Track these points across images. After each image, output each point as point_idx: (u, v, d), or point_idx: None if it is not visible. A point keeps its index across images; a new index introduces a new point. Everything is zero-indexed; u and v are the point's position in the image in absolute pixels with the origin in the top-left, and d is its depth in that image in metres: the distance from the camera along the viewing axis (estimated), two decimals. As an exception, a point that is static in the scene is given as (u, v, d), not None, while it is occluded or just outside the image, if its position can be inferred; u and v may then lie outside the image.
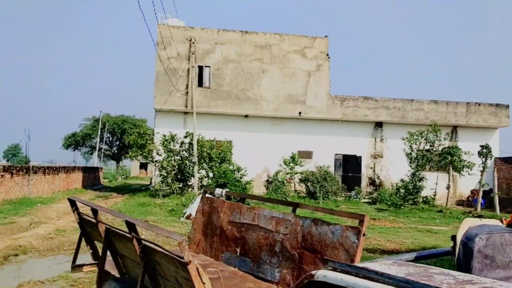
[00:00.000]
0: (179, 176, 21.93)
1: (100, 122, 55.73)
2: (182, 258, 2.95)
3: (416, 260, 3.13)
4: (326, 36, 26.44)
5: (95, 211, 4.41)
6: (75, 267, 4.96)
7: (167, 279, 3.45)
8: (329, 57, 26.11)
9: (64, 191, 25.72)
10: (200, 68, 25.19)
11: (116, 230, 4.07)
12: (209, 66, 25.31)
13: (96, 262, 5.00)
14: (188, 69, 24.74)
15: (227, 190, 6.52)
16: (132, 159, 57.87)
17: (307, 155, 25.75)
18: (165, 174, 21.92)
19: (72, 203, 4.98)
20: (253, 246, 5.01)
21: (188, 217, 14.54)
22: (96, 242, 5.03)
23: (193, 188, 21.61)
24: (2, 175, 17.14)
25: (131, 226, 3.62)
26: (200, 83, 25.19)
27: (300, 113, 25.49)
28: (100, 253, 4.89)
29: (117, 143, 63.28)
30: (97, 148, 56.64)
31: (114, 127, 59.44)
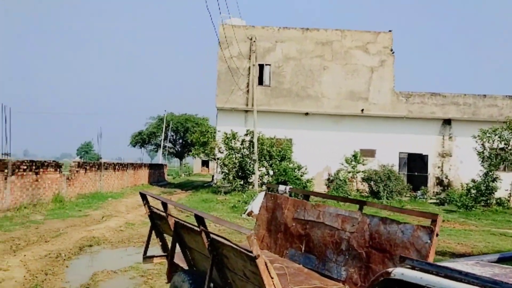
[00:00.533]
0: (240, 174, 22.24)
1: (164, 121, 57.90)
2: (251, 252, 2.97)
3: (499, 261, 2.92)
4: (390, 31, 25.59)
5: (165, 205, 4.56)
6: (146, 258, 5.16)
7: (234, 272, 3.49)
8: (393, 52, 25.25)
9: (131, 186, 26.96)
10: (261, 67, 25.34)
11: (185, 224, 4.18)
12: (269, 64, 25.40)
13: (165, 254, 5.18)
14: (249, 68, 24.98)
15: (291, 187, 6.48)
16: (195, 157, 59.52)
17: (370, 153, 25.07)
18: (227, 171, 22.32)
19: (143, 197, 5.18)
20: (318, 243, 4.96)
21: (249, 214, 14.69)
22: (165, 234, 5.20)
23: (253, 185, 21.82)
24: (77, 171, 18.28)
25: (200, 220, 3.70)
26: (261, 81, 25.36)
27: (362, 110, 24.88)
28: (169, 246, 5.08)
29: (180, 141, 65.35)
30: (162, 146, 58.84)
31: (178, 126, 61.40)
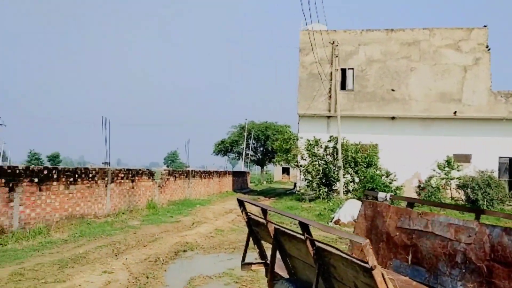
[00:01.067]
0: (324, 181, 21.83)
1: (245, 129, 59.07)
2: (365, 262, 2.77)
3: None
4: (485, 26, 23.72)
5: (264, 211, 4.47)
6: (245, 264, 5.11)
7: (343, 283, 3.29)
8: (489, 49, 23.35)
9: (217, 193, 27.68)
10: (343, 71, 24.82)
11: (286, 231, 4.06)
12: (352, 68, 24.79)
13: (263, 261, 5.10)
14: (331, 73, 24.57)
15: (392, 194, 6.12)
16: (276, 164, 59.88)
17: (465, 158, 23.32)
18: (310, 179, 22.02)
19: (241, 203, 5.14)
20: (428, 255, 4.58)
21: (336, 222, 14.31)
22: (263, 241, 5.12)
23: (338, 192, 21.29)
24: (167, 179, 19.14)
25: (304, 227, 3.55)
26: (343, 86, 24.82)
27: (455, 112, 23.29)
28: (266, 253, 4.99)
29: (261, 148, 66.15)
30: (243, 154, 60.00)
31: (259, 134, 62.28)
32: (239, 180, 37.36)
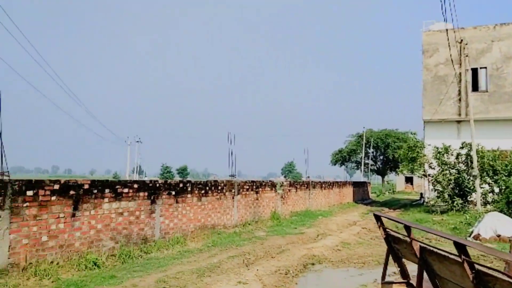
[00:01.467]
0: (456, 191, 20.04)
1: (364, 138, 57.38)
2: None
3: None
4: None
5: (408, 228, 4.18)
6: (385, 283, 4.85)
7: (513, 314, 2.87)
8: None
9: (337, 205, 27.15)
10: (474, 71, 22.67)
11: (436, 250, 3.73)
12: (485, 67, 22.53)
13: (405, 281, 4.79)
14: (460, 74, 22.62)
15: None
16: (398, 174, 56.93)
17: None
18: (441, 189, 20.40)
19: (377, 218, 4.89)
20: None
21: (476, 237, 12.95)
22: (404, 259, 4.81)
23: (475, 204, 19.33)
24: (289, 190, 19.34)
25: (461, 248, 3.22)
26: (475, 87, 22.64)
27: None
28: (407, 271, 4.67)
29: (381, 157, 63.54)
30: (362, 163, 58.24)
31: (378, 142, 59.99)
32: (360, 190, 36.24)
